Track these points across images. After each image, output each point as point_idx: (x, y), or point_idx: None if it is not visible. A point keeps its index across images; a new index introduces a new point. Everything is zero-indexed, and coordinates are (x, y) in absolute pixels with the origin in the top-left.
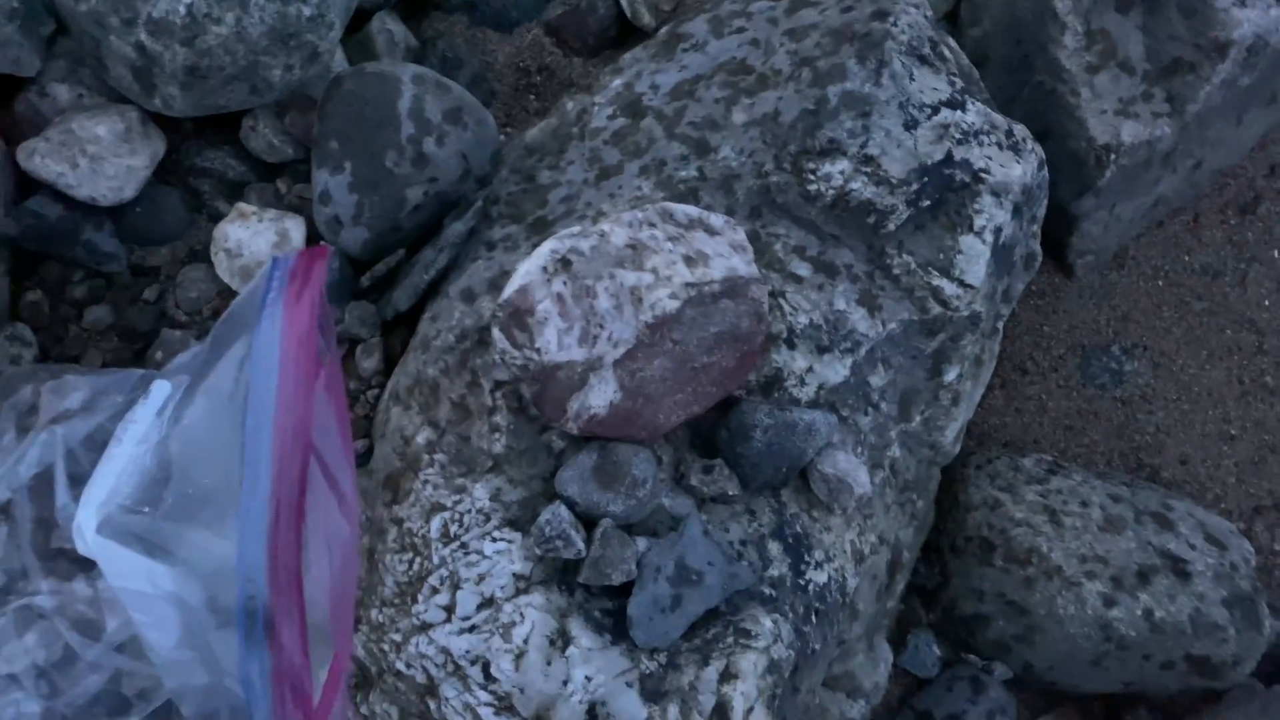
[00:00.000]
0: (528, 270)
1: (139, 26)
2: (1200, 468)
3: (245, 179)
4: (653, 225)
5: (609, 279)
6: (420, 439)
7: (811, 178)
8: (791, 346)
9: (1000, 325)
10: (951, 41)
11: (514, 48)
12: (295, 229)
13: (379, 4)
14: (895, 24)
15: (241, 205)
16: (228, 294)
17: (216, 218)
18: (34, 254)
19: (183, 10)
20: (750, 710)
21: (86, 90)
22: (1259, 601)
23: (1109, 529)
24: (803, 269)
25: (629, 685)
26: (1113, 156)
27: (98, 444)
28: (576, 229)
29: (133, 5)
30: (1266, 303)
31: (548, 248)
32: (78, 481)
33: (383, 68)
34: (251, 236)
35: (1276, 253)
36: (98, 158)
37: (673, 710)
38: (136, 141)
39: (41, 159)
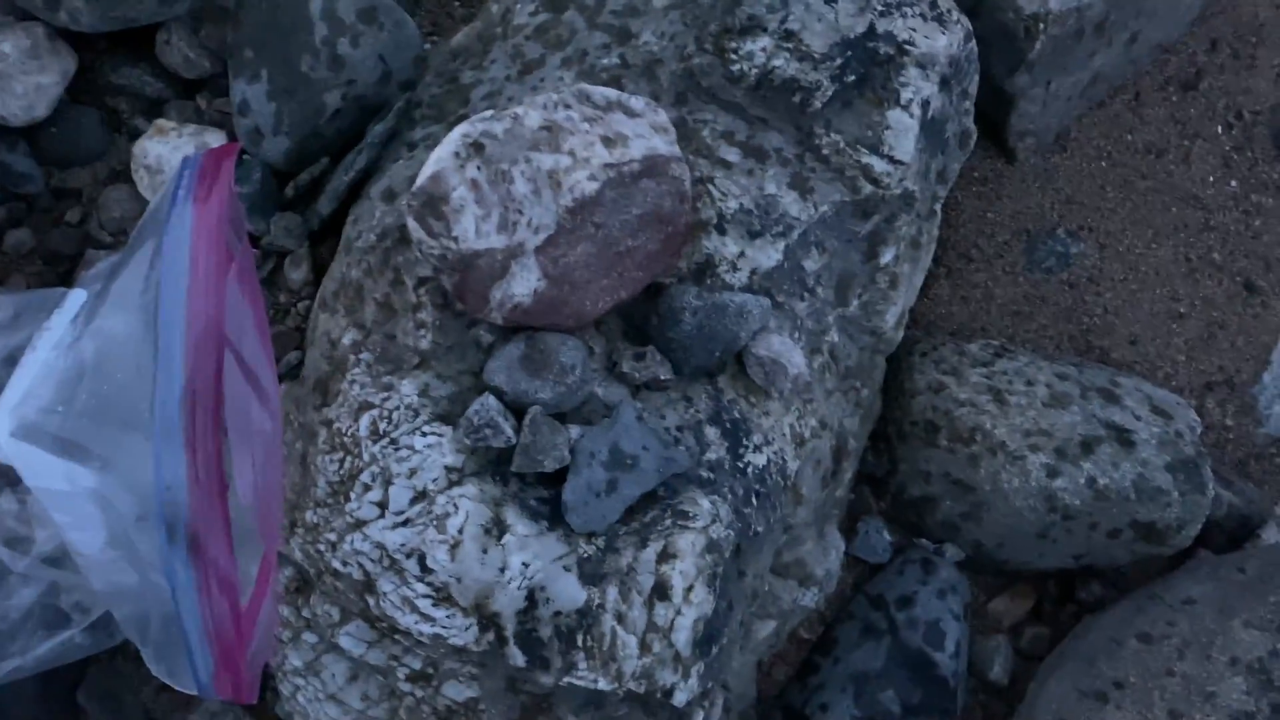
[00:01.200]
0: (439, 156)
1: None
2: (1150, 347)
3: (164, 96)
4: (568, 107)
5: (525, 163)
6: (346, 340)
7: (734, 57)
8: (722, 232)
9: (938, 208)
10: None
11: None
12: (215, 142)
13: None
14: None
15: (160, 122)
16: None
17: (136, 136)
18: None
19: None
20: (690, 589)
21: None
22: (1202, 465)
23: (1054, 405)
24: (731, 154)
25: (567, 569)
26: (1042, 26)
27: (18, 360)
28: (489, 113)
29: None
30: (1211, 179)
31: (459, 132)
32: None
33: None
34: (172, 152)
35: (1220, 128)
36: (4, 75)
37: (612, 591)
38: (45, 58)
39: None
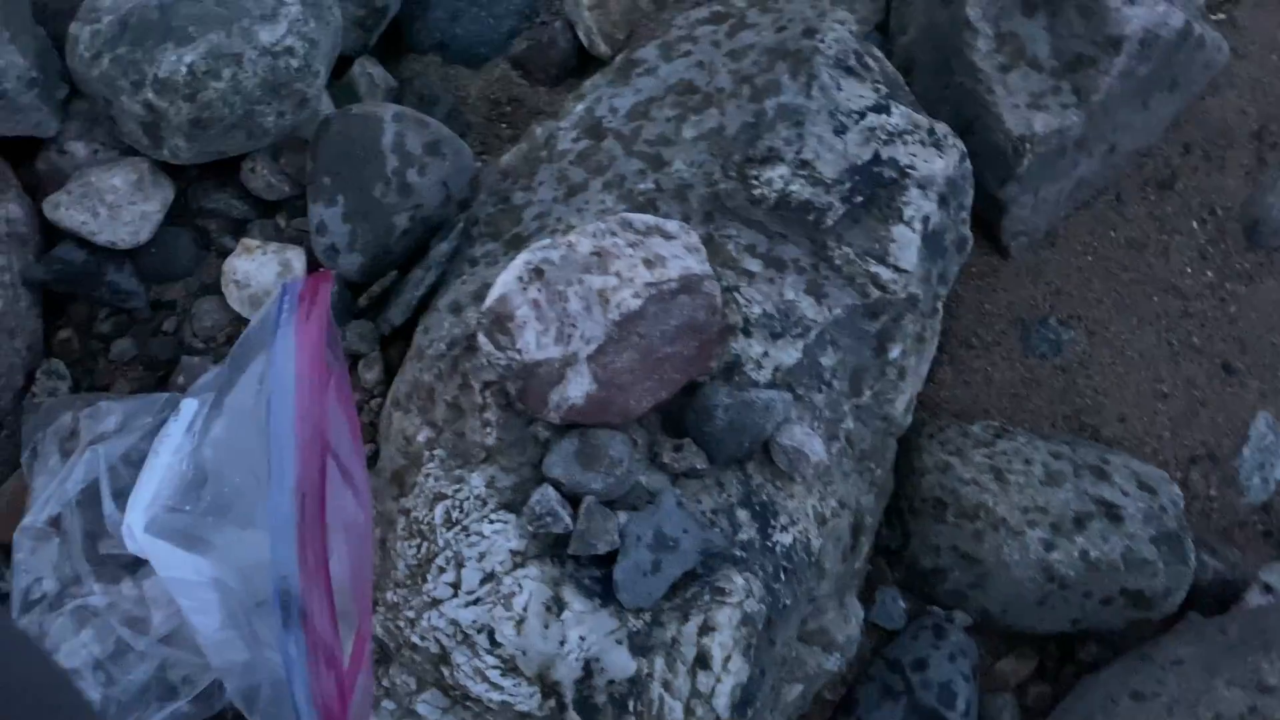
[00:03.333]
0: (505, 280)
1: (146, 87)
2: (1137, 424)
3: (248, 216)
4: (614, 234)
5: (578, 284)
6: (421, 437)
7: (755, 183)
8: (748, 335)
9: (939, 305)
10: (876, 52)
11: (484, 82)
12: (296, 259)
13: (359, 50)
14: (823, 40)
15: (246, 240)
16: (239, 321)
17: (224, 253)
18: (63, 296)
19: (184, 70)
20: (728, 658)
21: (101, 145)
22: (1184, 538)
23: (1049, 482)
24: (754, 265)
25: (619, 642)
26: (1028, 146)
27: (134, 460)
28: (547, 241)
29: (140, 68)
30: (1189, 270)
31: (522, 259)
32: (120, 494)
33: (366, 108)
34: (257, 268)
35: (1195, 224)
36: (115, 206)
37: (659, 662)
38: (149, 189)
39: (65, 210)
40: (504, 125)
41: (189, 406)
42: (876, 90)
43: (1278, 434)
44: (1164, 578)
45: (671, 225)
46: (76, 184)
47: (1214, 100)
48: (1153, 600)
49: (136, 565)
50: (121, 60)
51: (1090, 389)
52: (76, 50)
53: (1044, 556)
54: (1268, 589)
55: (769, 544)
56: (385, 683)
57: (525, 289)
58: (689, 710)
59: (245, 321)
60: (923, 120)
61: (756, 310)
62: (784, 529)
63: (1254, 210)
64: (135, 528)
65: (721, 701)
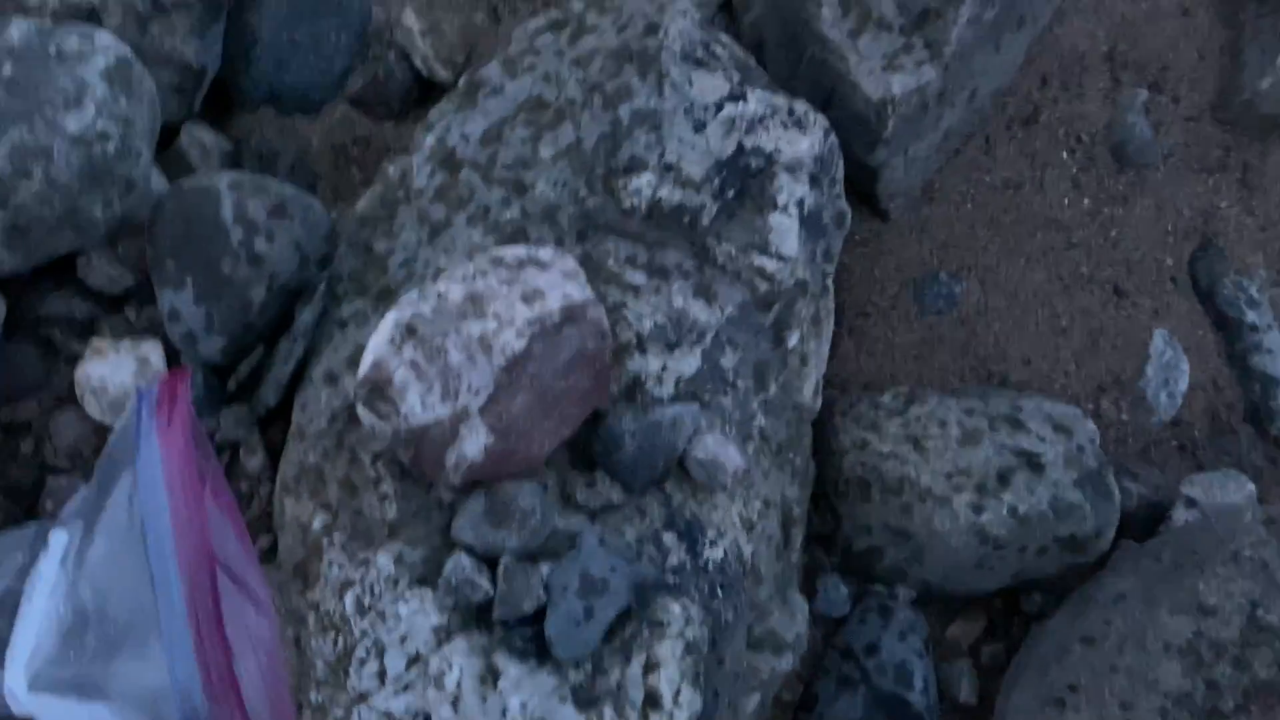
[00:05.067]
0: (376, 345)
1: None
2: (1042, 364)
3: (93, 315)
4: (485, 274)
5: (456, 334)
6: (316, 524)
7: (623, 194)
8: (643, 351)
9: (829, 283)
10: (724, 37)
11: (324, 127)
12: (153, 352)
13: (183, 116)
14: (666, 35)
15: (96, 342)
16: (104, 430)
17: (74, 359)
18: None
19: None
20: (678, 692)
21: None
22: (1106, 474)
23: (967, 442)
24: (638, 277)
25: (562, 700)
26: (890, 109)
27: (8, 607)
28: (415, 294)
29: None
30: (1066, 201)
31: (391, 319)
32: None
33: (199, 181)
34: (112, 370)
35: (1064, 154)
36: None
37: (608, 711)
38: None
39: None
40: (354, 169)
41: (58, 539)
42: (729, 79)
43: (1176, 349)
44: (1093, 519)
45: (545, 253)
46: None
47: (1062, 29)
48: (1085, 542)
49: None
50: None
51: (991, 336)
52: None
53: (974, 520)
54: (1191, 503)
55: (700, 563)
56: None
57: (399, 350)
58: None
59: (109, 430)
60: (781, 101)
61: (648, 324)
62: (713, 544)
63: (1117, 132)
64: (18, 689)
65: None
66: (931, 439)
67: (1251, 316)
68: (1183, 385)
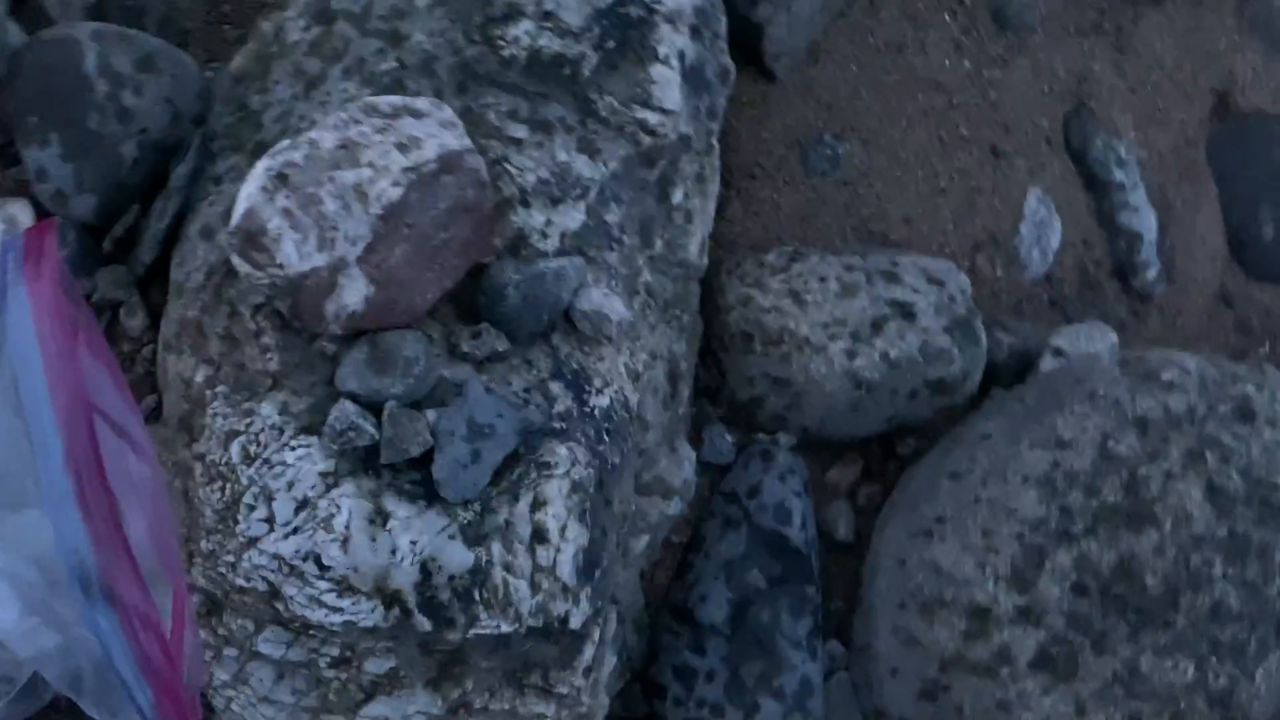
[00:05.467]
0: (248, 193)
1: None
2: (922, 224)
3: None
4: (359, 122)
5: (330, 182)
6: (199, 377)
7: (502, 43)
8: (526, 205)
9: (714, 141)
10: None
11: None
12: (22, 212)
13: None
14: None
15: None
16: None
17: None
18: None
19: None
20: (564, 527)
21: None
22: (974, 321)
23: (845, 295)
24: (520, 131)
25: (451, 538)
26: None
27: None
28: (286, 143)
29: None
30: (947, 63)
31: (262, 166)
32: None
33: (59, 32)
34: None
35: (946, 16)
36: None
37: (496, 547)
38: None
39: None
40: (227, 26)
41: None
42: None
43: (1049, 207)
44: (960, 363)
45: (421, 103)
46: None
47: None
48: (953, 386)
49: None
50: None
51: (873, 197)
52: None
53: (848, 365)
54: (1058, 353)
55: (586, 410)
56: (221, 631)
57: (272, 198)
58: (535, 585)
59: None
60: None
61: (531, 178)
62: (599, 392)
63: None
64: None
65: (565, 569)
66: (811, 293)
67: (1119, 176)
68: (1055, 243)
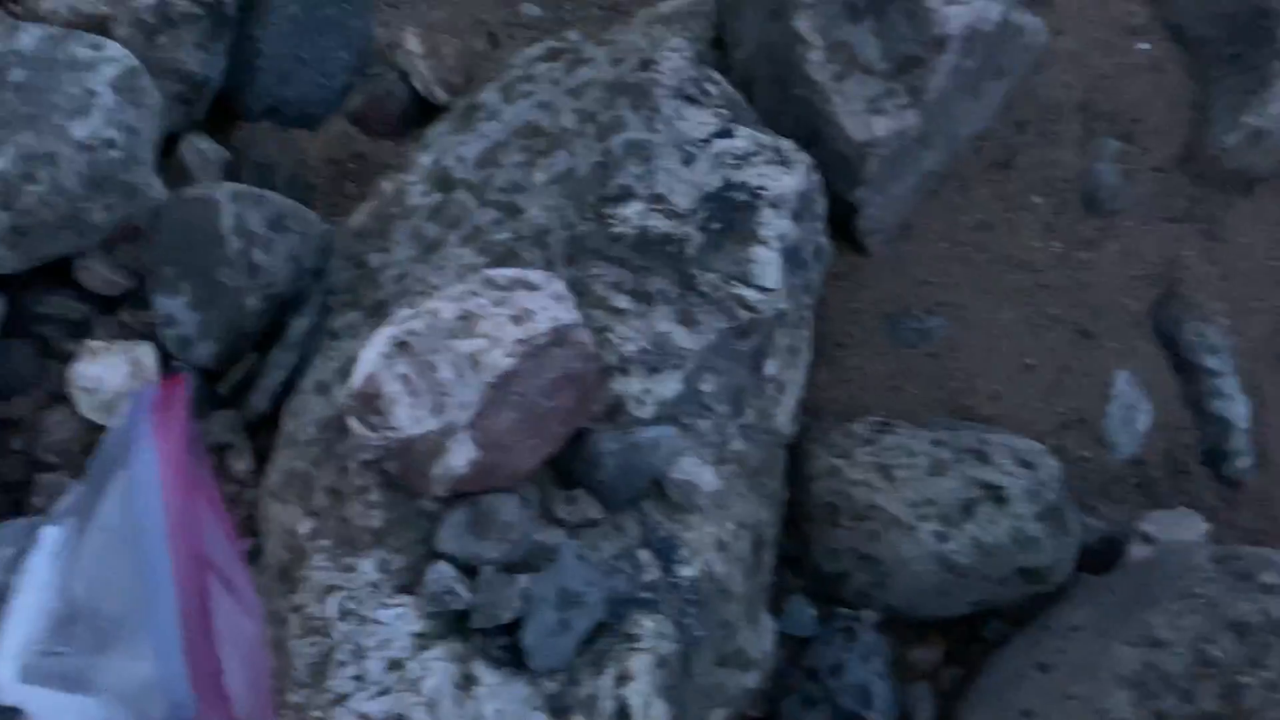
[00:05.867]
0: (370, 359)
1: None
2: (1009, 399)
3: (88, 316)
4: (477, 294)
5: (446, 351)
6: (303, 529)
7: (612, 221)
8: (626, 373)
9: (808, 315)
10: (715, 75)
11: (323, 141)
12: (146, 355)
13: (185, 126)
14: (660, 70)
15: (90, 343)
16: (93, 429)
17: (66, 358)
18: None
19: None
20: (648, 705)
21: None
22: (1065, 510)
23: (935, 472)
24: (623, 301)
25: (536, 709)
26: (871, 150)
27: None
28: (409, 311)
29: None
30: (1036, 244)
31: (385, 334)
32: None
33: (201, 192)
34: (106, 370)
35: (1037, 198)
36: None
37: None
38: None
39: None
40: (350, 183)
41: (50, 535)
42: (719, 115)
43: (1138, 390)
44: (1051, 551)
45: (535, 275)
46: None
47: (1040, 78)
48: (1044, 574)
49: (14, 714)
50: None
51: (961, 371)
52: None
53: (938, 549)
54: (1147, 539)
55: (673, 580)
56: None
57: (392, 365)
58: None
59: (100, 430)
60: (767, 139)
61: (631, 347)
62: (687, 562)
63: (1089, 179)
64: (7, 679)
65: None
66: (900, 469)
67: (1211, 362)
68: (1143, 426)
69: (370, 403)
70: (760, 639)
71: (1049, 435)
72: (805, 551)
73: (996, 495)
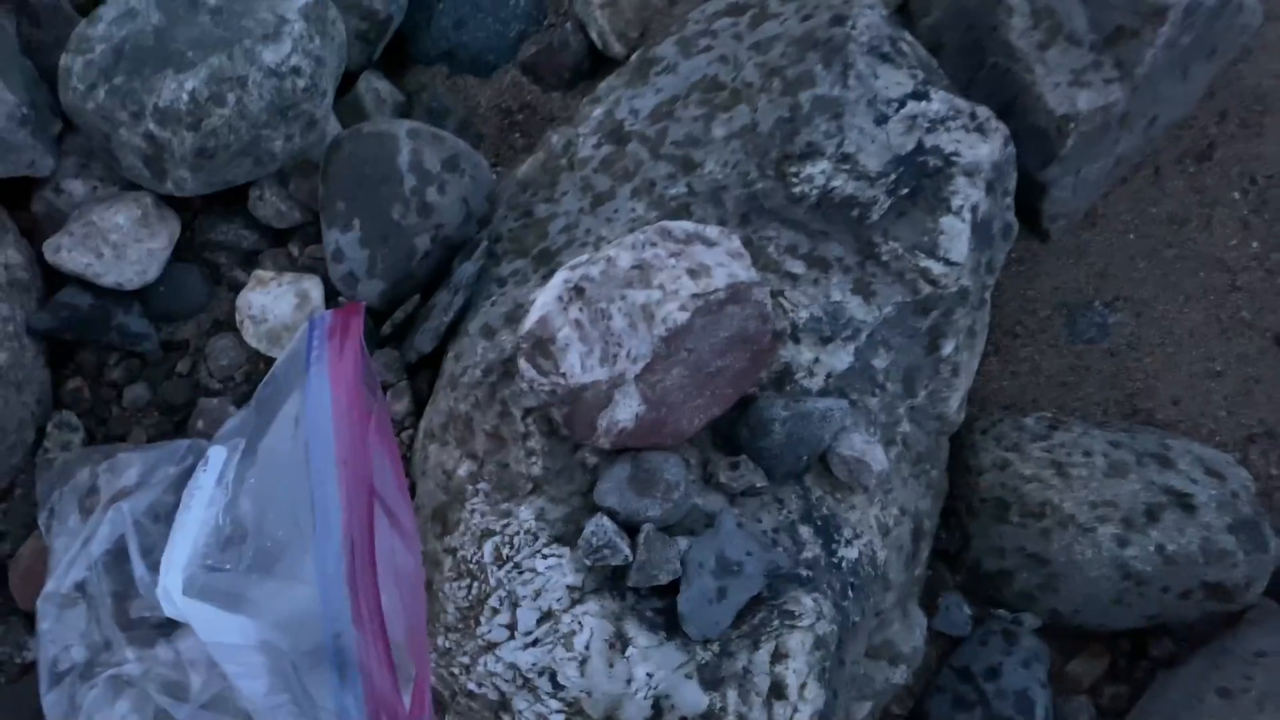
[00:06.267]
0: (544, 301)
1: (146, 117)
2: (1192, 406)
3: (258, 247)
4: (654, 244)
5: (621, 300)
6: (462, 471)
7: (795, 180)
8: (796, 341)
9: (988, 296)
10: (908, 35)
11: (494, 90)
12: (314, 288)
13: (363, 64)
14: (854, 27)
15: (259, 272)
16: (257, 358)
17: (236, 287)
18: (70, 343)
19: (186, 97)
20: (804, 685)
21: (100, 182)
22: (1262, 524)
23: (1114, 474)
24: (797, 267)
25: (688, 677)
26: (1072, 125)
27: (161, 515)
28: (584, 257)
29: (138, 98)
30: (1233, 242)
31: (560, 278)
32: (149, 553)
33: (379, 127)
34: (273, 301)
35: (1236, 194)
36: (119, 245)
37: (732, 695)
38: (154, 225)
39: (67, 252)
40: (517, 134)
41: (217, 455)
42: (914, 76)
43: None
44: (1245, 568)
45: (712, 231)
46: (77, 224)
47: (1246, 65)
48: (1234, 592)
49: (171, 627)
50: (118, 91)
51: (1141, 372)
52: (69, 83)
53: (1118, 553)
54: None
55: (834, 560)
56: None
57: (566, 309)
58: None
59: (263, 358)
60: (963, 105)
61: (804, 314)
62: (849, 543)
63: None
64: (173, 590)
65: None
66: (1076, 467)
67: None
68: None
69: (542, 345)
70: (911, 633)
71: (1233, 447)
72: (964, 547)
73: (1184, 502)
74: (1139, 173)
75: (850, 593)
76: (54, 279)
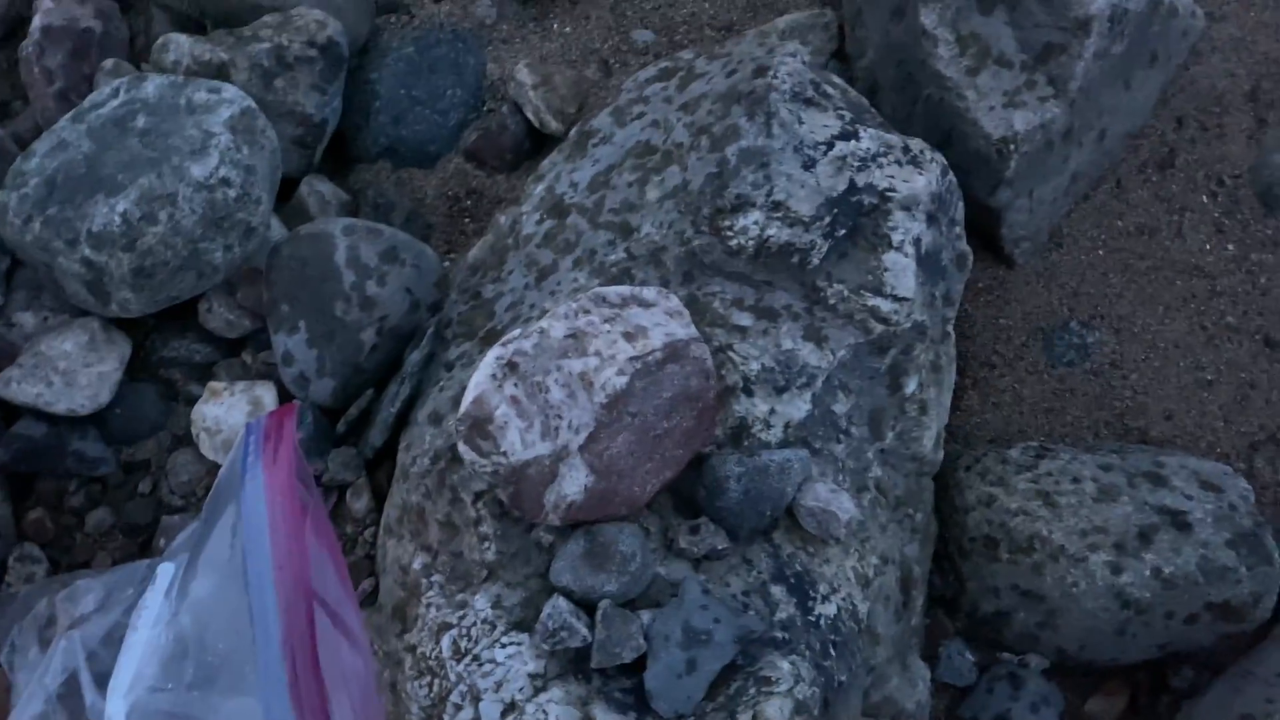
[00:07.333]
0: (478, 381)
1: (81, 243)
2: (1186, 419)
3: (212, 358)
4: (587, 312)
5: (557, 371)
6: (416, 564)
7: (730, 233)
8: (749, 394)
9: (949, 328)
10: (835, 78)
11: (439, 179)
12: (267, 394)
13: (304, 169)
14: (775, 76)
15: (212, 384)
16: (216, 469)
17: (191, 401)
18: (28, 475)
19: (118, 219)
20: None
21: (50, 312)
22: (1264, 536)
23: (1104, 498)
24: (744, 319)
25: None
26: (1012, 148)
27: (117, 640)
28: (516, 331)
29: (72, 225)
30: (1208, 246)
31: (493, 355)
32: (102, 680)
33: (314, 227)
34: (227, 411)
35: (1204, 198)
36: (69, 371)
37: None
38: (102, 349)
39: (18, 384)
40: (467, 220)
41: (165, 571)
42: (840, 117)
43: None
44: (1249, 583)
45: (648, 292)
46: (27, 355)
47: (1199, 68)
48: (1242, 610)
49: None
50: (53, 221)
51: (1128, 389)
52: (6, 218)
53: (1113, 581)
54: None
55: (811, 619)
56: None
57: (501, 386)
58: None
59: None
60: (895, 139)
61: (755, 366)
62: (825, 599)
63: (1265, 173)
64: (116, 717)
65: None
66: (1064, 495)
67: None
68: None
69: (479, 426)
70: (913, 687)
71: (1235, 458)
72: (960, 591)
73: (1178, 521)
74: (1100, 187)
75: (832, 651)
76: (8, 412)
